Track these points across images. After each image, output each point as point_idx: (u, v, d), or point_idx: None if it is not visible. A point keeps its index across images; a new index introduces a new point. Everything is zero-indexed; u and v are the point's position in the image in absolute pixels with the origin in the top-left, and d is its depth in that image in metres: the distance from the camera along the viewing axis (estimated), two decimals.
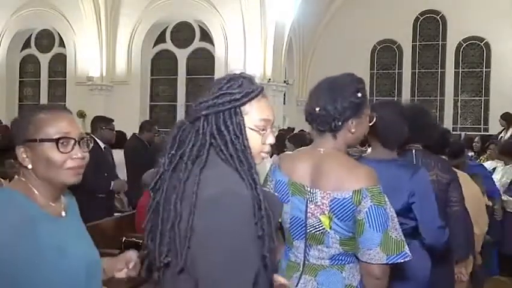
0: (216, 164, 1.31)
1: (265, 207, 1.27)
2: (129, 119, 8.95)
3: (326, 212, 1.70)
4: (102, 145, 4.75)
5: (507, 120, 9.03)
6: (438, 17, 13.20)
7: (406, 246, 1.69)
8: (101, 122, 4.75)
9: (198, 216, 1.23)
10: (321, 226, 1.71)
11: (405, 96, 13.03)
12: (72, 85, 12.44)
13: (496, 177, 5.75)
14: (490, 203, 4.56)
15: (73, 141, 1.41)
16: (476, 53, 12.99)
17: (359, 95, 1.77)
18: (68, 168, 1.41)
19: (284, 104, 11.54)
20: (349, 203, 1.66)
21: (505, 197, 5.17)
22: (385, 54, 13.73)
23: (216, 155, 1.32)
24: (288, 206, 1.77)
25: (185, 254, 1.24)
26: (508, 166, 5.75)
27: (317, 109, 1.75)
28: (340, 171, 1.71)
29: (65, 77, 12.76)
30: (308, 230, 1.74)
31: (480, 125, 12.97)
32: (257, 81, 1.42)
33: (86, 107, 11.63)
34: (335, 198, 1.68)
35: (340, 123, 1.75)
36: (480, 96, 13.05)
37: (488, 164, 6.26)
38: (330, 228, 1.70)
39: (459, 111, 13.13)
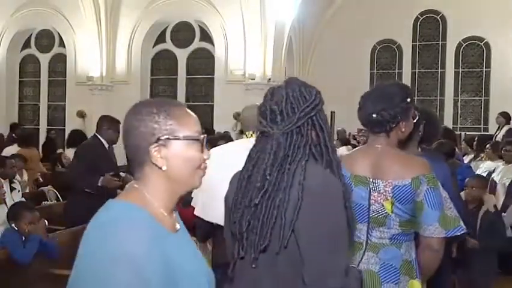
0: (312, 161, 1.60)
1: (349, 196, 1.63)
2: None
3: (389, 198, 2.02)
4: (106, 144, 4.74)
5: (506, 118, 9.01)
6: (438, 17, 13.20)
7: (461, 222, 2.03)
8: (105, 122, 4.75)
9: (306, 203, 1.48)
10: (384, 211, 2.03)
11: None
12: (72, 85, 12.44)
13: (496, 177, 5.74)
14: None
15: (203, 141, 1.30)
16: (476, 53, 13.00)
17: (408, 100, 2.12)
18: (202, 170, 1.29)
19: None
20: (409, 188, 1.99)
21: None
22: (385, 54, 13.74)
23: (311, 154, 1.61)
24: (351, 195, 2.03)
25: (288, 236, 1.48)
26: (509, 166, 5.74)
27: (374, 115, 2.07)
28: (398, 163, 2.05)
29: (65, 77, 12.76)
30: (371, 215, 2.06)
31: (480, 125, 12.98)
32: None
33: (86, 107, 11.65)
34: (396, 185, 2.01)
35: (394, 125, 2.09)
36: (480, 96, 13.05)
37: (488, 165, 6.25)
38: (392, 212, 2.02)
39: (459, 111, 13.13)
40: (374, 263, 2.04)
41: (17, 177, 5.68)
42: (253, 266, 1.55)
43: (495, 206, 4.39)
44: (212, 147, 2.98)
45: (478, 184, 4.28)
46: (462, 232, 2.04)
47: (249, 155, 1.67)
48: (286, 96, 1.61)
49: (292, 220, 1.48)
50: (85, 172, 4.51)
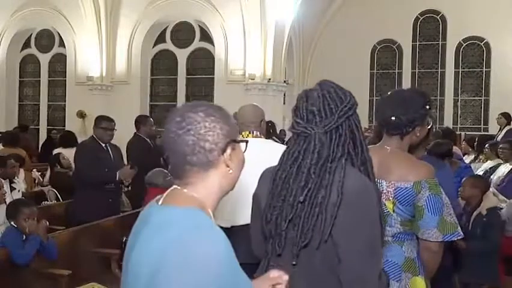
0: (349, 163, 1.67)
1: (380, 197, 1.79)
2: (129, 119, 8.92)
3: (391, 198, 2.09)
4: (102, 143, 4.79)
5: (507, 118, 9.00)
6: (438, 17, 13.21)
7: (459, 228, 2.09)
8: (98, 121, 4.90)
9: (345, 202, 1.55)
10: (386, 210, 2.09)
11: None
12: (72, 85, 12.43)
13: (496, 176, 5.74)
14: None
15: None
16: (476, 53, 13.00)
17: (427, 107, 2.21)
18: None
19: (284, 103, 11.52)
20: (410, 191, 2.06)
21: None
22: (385, 54, 13.74)
23: (348, 149, 1.68)
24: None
25: (329, 231, 1.54)
26: (506, 164, 5.75)
27: (393, 118, 2.16)
28: (403, 166, 2.12)
29: (65, 77, 12.75)
30: None
31: (480, 125, 12.98)
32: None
33: (86, 107, 11.64)
34: (399, 187, 2.07)
35: (410, 129, 2.18)
36: (480, 96, 13.05)
37: (488, 165, 6.25)
38: (394, 211, 2.09)
39: (459, 111, 13.13)
40: None
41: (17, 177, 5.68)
42: (294, 262, 1.59)
43: (491, 209, 4.17)
44: None
45: (471, 184, 4.17)
46: (459, 237, 2.10)
47: (285, 156, 1.70)
48: (323, 97, 1.68)
49: (332, 216, 1.55)
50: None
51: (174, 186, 1.27)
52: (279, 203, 1.65)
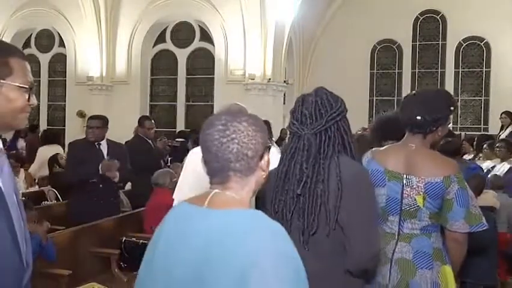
0: (343, 154, 1.91)
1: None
2: (129, 119, 8.94)
3: (421, 193, 2.20)
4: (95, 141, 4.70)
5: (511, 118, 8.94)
6: (438, 17, 13.21)
7: (483, 219, 2.21)
8: (87, 121, 4.86)
9: (345, 191, 1.79)
10: (416, 204, 2.21)
11: None
12: (72, 85, 12.45)
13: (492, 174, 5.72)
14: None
15: None
16: (476, 53, 13.00)
17: (452, 108, 2.33)
18: None
19: (284, 103, 11.53)
20: (440, 185, 2.18)
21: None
22: (385, 54, 13.74)
23: (338, 149, 1.91)
24: (384, 189, 2.26)
25: (334, 220, 1.80)
26: (503, 163, 5.75)
27: (419, 117, 2.25)
28: (432, 162, 2.24)
29: (65, 77, 12.77)
30: (403, 208, 2.25)
31: (480, 124, 12.98)
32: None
33: (86, 107, 11.64)
34: (429, 182, 2.19)
35: (434, 128, 2.28)
36: (480, 96, 13.06)
37: (488, 164, 6.24)
38: (424, 205, 2.20)
39: (459, 111, 13.12)
40: (407, 251, 2.22)
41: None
42: (306, 248, 1.81)
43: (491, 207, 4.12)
44: None
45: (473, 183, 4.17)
46: (484, 228, 2.22)
47: (284, 152, 1.97)
48: (315, 102, 1.92)
49: (335, 206, 1.80)
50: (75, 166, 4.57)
51: (215, 190, 1.34)
52: (283, 196, 1.89)
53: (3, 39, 12.89)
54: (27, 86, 1.48)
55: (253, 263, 1.19)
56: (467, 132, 11.55)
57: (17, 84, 1.46)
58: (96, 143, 4.67)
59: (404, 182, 2.25)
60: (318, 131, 1.90)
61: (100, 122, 4.69)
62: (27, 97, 1.49)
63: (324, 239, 1.83)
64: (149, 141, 6.03)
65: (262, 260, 1.20)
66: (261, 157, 1.35)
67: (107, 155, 4.69)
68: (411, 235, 2.24)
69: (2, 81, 1.44)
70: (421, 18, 13.35)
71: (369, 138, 3.60)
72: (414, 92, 2.50)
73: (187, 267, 1.28)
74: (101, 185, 4.54)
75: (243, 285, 1.18)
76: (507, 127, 8.91)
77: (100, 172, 4.48)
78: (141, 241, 4.32)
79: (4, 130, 1.57)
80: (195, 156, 2.91)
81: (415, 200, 2.21)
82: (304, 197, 1.84)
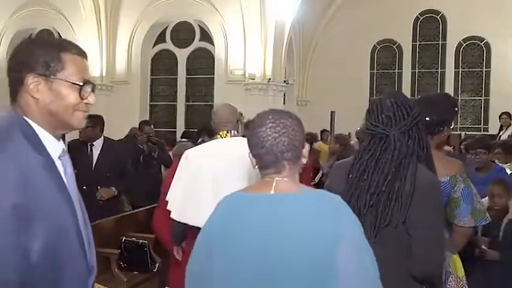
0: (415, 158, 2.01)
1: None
2: (129, 119, 8.94)
3: None
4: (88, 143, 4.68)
5: None
6: (438, 17, 13.20)
7: (487, 213, 2.42)
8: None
9: (417, 192, 1.89)
10: None
11: None
12: None
13: None
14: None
15: None
16: (476, 53, 13.00)
17: (456, 109, 2.51)
18: None
19: (284, 103, 11.53)
20: (447, 184, 2.32)
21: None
22: (385, 54, 13.74)
23: (421, 146, 2.04)
24: None
25: (406, 213, 1.89)
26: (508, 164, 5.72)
27: (427, 118, 2.35)
28: (439, 162, 2.28)
29: None
30: None
31: (480, 124, 12.98)
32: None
33: None
34: None
35: (441, 128, 2.43)
36: (480, 96, 13.06)
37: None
38: None
39: (459, 111, 13.12)
40: None
41: None
42: (373, 241, 1.84)
43: None
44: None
45: (498, 191, 3.71)
46: (487, 221, 2.43)
47: (361, 154, 2.06)
48: (396, 104, 2.03)
49: (407, 202, 1.89)
50: None
51: (276, 178, 1.52)
52: (357, 192, 1.99)
53: (3, 39, 12.92)
54: (79, 83, 1.43)
55: (339, 235, 1.41)
56: (467, 132, 11.55)
57: (69, 80, 1.42)
58: (89, 143, 4.60)
59: None
60: (404, 130, 2.01)
61: (91, 122, 4.44)
62: (80, 94, 1.44)
63: (390, 236, 1.93)
64: (142, 146, 6.07)
65: (347, 230, 1.44)
66: (303, 146, 1.56)
67: (99, 155, 4.63)
68: None
69: (52, 77, 1.39)
70: (421, 18, 13.35)
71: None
72: (417, 97, 2.63)
73: (255, 248, 1.45)
74: (99, 186, 4.56)
75: (330, 255, 1.39)
76: (507, 127, 8.91)
77: (98, 197, 4.50)
78: (141, 241, 4.33)
79: (63, 129, 1.49)
80: (193, 162, 2.84)
81: None
82: (385, 192, 1.95)
